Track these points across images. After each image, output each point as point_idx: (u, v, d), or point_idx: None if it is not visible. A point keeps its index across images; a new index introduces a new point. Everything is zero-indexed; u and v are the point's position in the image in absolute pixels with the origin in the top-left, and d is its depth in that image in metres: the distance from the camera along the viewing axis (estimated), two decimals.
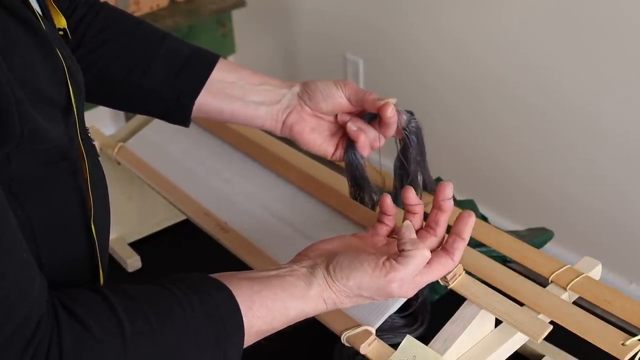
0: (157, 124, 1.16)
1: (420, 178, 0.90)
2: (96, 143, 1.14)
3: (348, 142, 0.86)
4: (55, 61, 0.63)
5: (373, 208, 0.92)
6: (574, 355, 0.91)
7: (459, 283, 0.79)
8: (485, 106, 2.12)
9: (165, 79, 0.86)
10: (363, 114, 0.87)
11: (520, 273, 0.82)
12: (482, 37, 2.04)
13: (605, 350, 0.72)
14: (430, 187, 0.93)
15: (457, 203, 1.04)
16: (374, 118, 0.86)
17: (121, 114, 2.66)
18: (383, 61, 2.36)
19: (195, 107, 0.87)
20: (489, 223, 0.92)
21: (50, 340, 0.55)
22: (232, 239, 0.94)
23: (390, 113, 0.82)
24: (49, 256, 0.64)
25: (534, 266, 0.83)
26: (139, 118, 1.19)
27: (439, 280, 0.79)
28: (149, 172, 1.09)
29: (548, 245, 1.05)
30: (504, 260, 0.88)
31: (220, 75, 0.87)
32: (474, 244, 0.87)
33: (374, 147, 0.86)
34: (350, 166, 0.87)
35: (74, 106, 0.65)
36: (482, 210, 1.10)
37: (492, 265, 0.82)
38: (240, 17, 2.55)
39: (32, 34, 0.61)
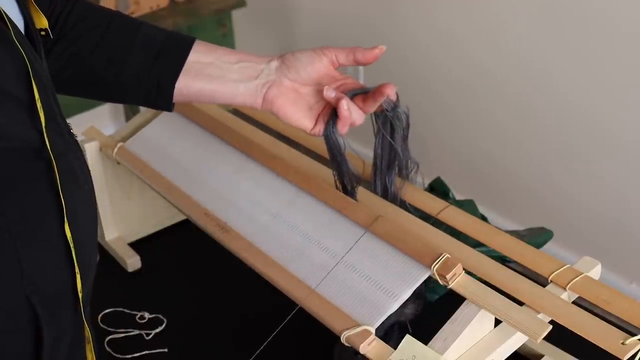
0: (157, 124, 1.16)
1: (398, 161, 0.91)
2: (96, 143, 1.15)
3: (330, 118, 0.87)
4: (17, 60, 0.64)
5: (353, 194, 0.93)
6: (574, 355, 0.91)
7: (459, 283, 0.79)
8: (484, 106, 2.12)
9: (143, 66, 0.88)
10: (346, 91, 0.88)
11: (520, 273, 0.82)
12: (482, 37, 2.04)
13: (605, 349, 0.72)
14: (406, 172, 0.93)
15: (457, 203, 1.04)
16: (356, 94, 0.87)
17: (121, 114, 2.66)
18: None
19: (176, 91, 0.88)
20: (489, 223, 0.92)
21: None
22: (232, 239, 0.94)
23: (390, 89, 0.86)
24: (27, 254, 0.64)
25: (533, 266, 0.83)
26: (138, 118, 1.19)
27: (439, 280, 0.79)
28: (149, 172, 1.09)
29: (548, 245, 1.05)
30: (503, 260, 0.88)
31: (197, 57, 0.88)
32: (474, 244, 0.87)
33: (355, 123, 0.87)
34: (329, 142, 0.89)
35: (38, 104, 0.65)
36: (482, 210, 1.10)
37: (492, 265, 0.82)
38: (240, 17, 2.55)
39: None
